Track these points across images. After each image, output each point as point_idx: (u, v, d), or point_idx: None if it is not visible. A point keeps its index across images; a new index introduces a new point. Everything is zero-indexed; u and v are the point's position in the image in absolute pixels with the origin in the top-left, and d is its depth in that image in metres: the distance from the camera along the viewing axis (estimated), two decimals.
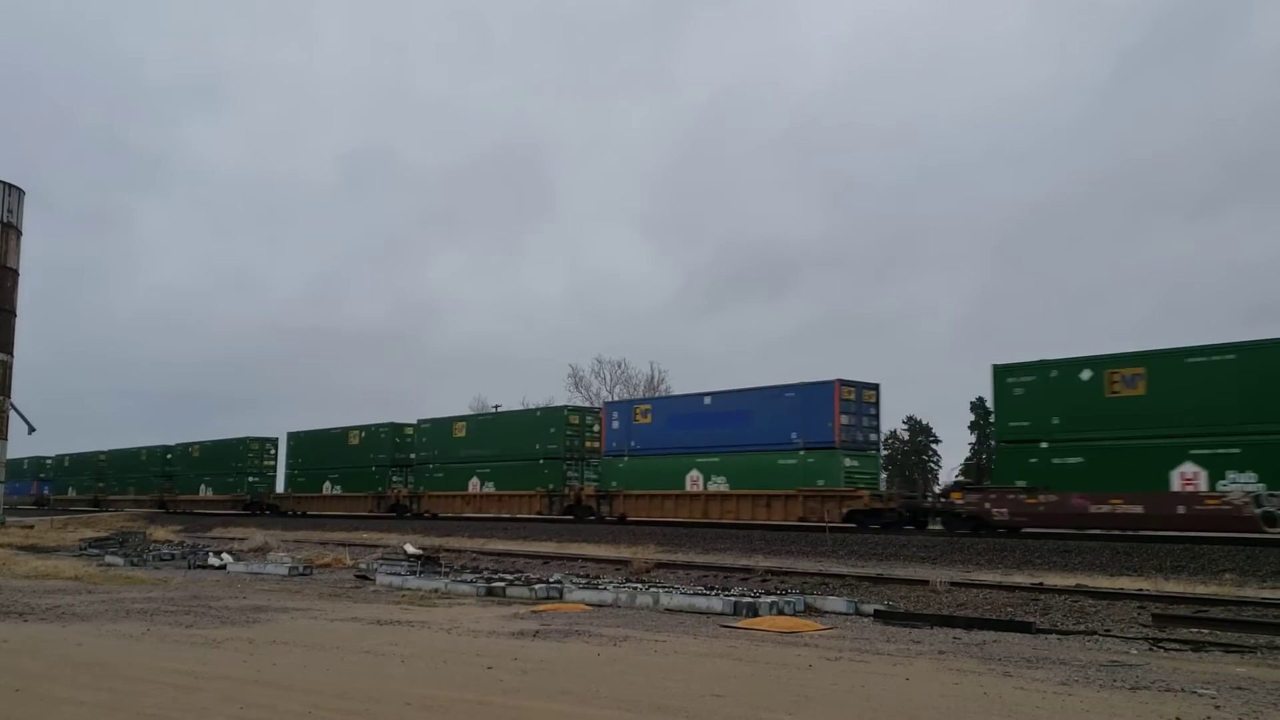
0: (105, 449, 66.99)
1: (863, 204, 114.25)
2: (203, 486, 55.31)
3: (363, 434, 45.97)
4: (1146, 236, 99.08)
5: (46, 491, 71.45)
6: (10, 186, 38.39)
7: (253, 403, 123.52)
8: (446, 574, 17.45)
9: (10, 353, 38.36)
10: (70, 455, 71.58)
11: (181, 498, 56.74)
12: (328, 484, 47.55)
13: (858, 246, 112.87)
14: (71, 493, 68.77)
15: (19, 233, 38.78)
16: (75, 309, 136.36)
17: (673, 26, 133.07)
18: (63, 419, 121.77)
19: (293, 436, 51.24)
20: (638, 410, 33.93)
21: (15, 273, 38.56)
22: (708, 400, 31.19)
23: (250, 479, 52.15)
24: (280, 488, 52.41)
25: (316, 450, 49.01)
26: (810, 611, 12.75)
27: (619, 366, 63.96)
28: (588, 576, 17.50)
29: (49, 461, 73.46)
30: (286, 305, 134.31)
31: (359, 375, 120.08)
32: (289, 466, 51.25)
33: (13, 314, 38.55)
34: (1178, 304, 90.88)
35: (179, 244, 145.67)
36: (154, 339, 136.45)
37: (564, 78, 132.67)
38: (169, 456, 60.05)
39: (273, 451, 52.91)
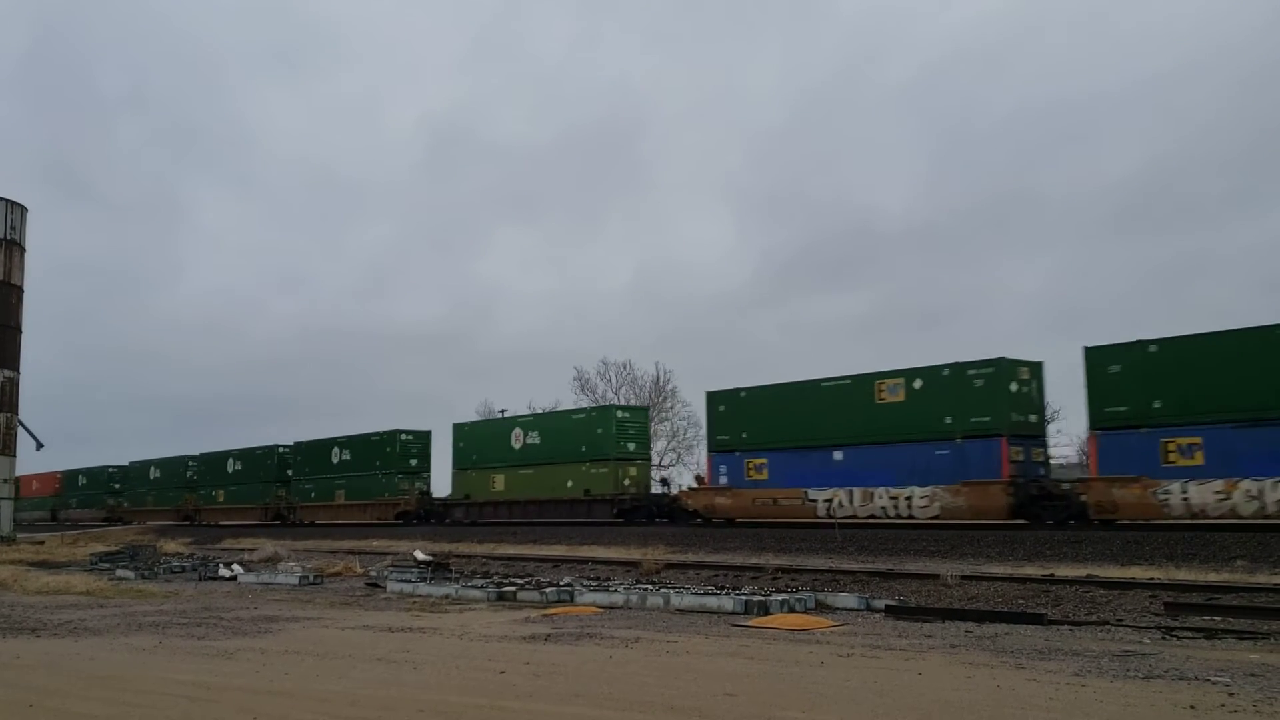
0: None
1: (973, 166, 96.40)
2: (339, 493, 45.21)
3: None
4: (1260, 189, 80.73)
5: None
6: (12, 204, 38.51)
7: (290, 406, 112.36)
8: (457, 580, 17.47)
9: (16, 369, 38.40)
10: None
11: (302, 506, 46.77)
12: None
13: (951, 220, 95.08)
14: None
15: (22, 249, 38.88)
16: (131, 308, 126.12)
17: None
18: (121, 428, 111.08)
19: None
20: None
21: (19, 289, 38.65)
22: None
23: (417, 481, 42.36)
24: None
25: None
26: (821, 608, 12.75)
27: (624, 368, 63.70)
28: (598, 579, 17.50)
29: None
30: (334, 304, 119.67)
31: (391, 379, 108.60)
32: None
33: (18, 330, 38.63)
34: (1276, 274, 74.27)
35: (231, 236, 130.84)
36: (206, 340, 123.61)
37: (684, 30, 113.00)
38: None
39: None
